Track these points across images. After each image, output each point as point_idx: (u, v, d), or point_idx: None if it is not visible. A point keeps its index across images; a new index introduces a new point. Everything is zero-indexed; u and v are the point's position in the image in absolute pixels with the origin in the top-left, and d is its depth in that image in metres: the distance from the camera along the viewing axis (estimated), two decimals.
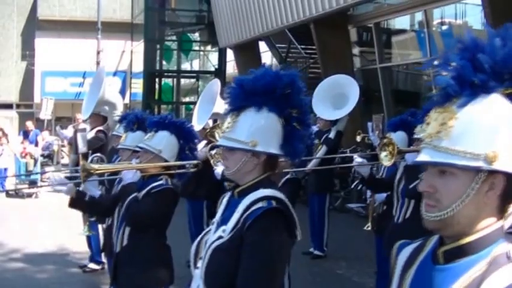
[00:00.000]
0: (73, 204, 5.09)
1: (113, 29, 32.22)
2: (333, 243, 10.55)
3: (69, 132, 11.28)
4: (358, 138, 11.45)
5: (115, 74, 33.95)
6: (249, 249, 2.74)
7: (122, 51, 33.69)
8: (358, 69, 17.99)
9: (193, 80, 27.44)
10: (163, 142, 4.87)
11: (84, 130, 8.90)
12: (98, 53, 31.83)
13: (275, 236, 2.76)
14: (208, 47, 26.55)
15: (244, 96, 2.95)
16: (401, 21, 17.75)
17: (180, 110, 28.06)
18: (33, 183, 17.86)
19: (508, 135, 1.76)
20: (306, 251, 10.28)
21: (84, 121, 10.31)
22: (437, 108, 1.86)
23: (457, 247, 1.77)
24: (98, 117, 9.04)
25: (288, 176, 6.44)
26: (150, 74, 24.65)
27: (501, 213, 1.79)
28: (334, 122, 10.48)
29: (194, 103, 26.19)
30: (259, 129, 2.90)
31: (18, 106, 36.25)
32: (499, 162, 1.73)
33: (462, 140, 1.76)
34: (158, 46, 25.49)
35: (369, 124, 11.58)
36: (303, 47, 20.75)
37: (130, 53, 29.69)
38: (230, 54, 24.68)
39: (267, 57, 23.49)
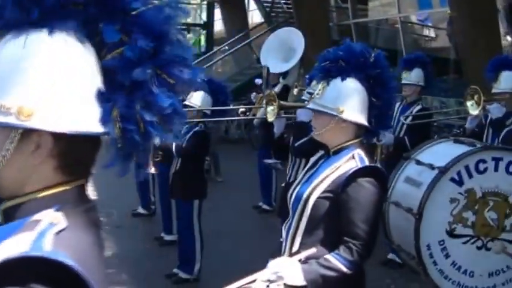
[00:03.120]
0: None
1: None
2: None
3: None
4: (295, 92, 11.81)
5: None
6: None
7: None
8: (334, 25, 18.52)
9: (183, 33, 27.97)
10: None
11: None
12: None
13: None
14: (198, 0, 27.03)
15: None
16: None
17: None
18: None
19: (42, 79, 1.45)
20: (256, 204, 10.85)
21: None
22: None
23: (9, 208, 1.52)
24: None
25: (196, 128, 6.92)
26: None
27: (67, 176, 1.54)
28: (283, 76, 10.95)
29: None
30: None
31: None
32: (34, 118, 1.43)
33: None
34: None
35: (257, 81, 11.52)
36: (284, 1, 21.28)
37: None
38: None
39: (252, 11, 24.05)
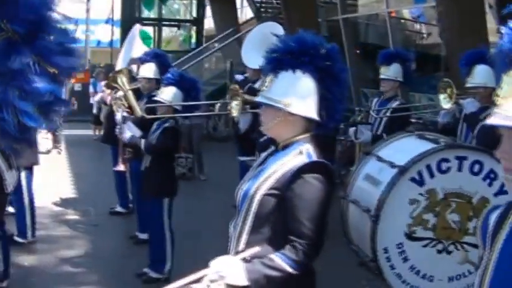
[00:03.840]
0: None
1: None
2: None
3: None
4: None
5: (107, 21, 34.36)
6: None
7: None
8: (322, 21, 18.44)
9: (174, 29, 28.00)
10: None
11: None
12: (88, 0, 32.38)
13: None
14: None
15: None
16: None
17: None
18: None
19: None
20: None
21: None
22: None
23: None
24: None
25: (166, 125, 6.80)
26: (128, 22, 25.09)
27: None
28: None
29: (174, 52, 26.83)
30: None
31: None
32: None
33: None
34: None
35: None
36: None
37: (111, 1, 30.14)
38: None
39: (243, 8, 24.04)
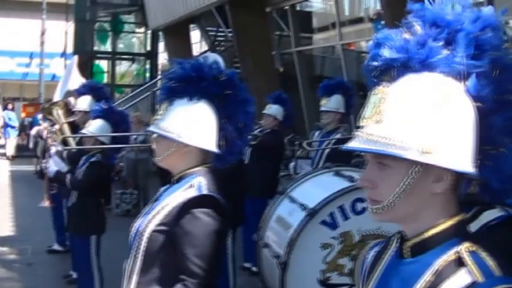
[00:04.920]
0: None
1: (59, 9, 32.48)
2: None
3: None
4: None
5: (62, 55, 34.22)
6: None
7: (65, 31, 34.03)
8: (277, 54, 18.44)
9: (128, 63, 27.94)
10: None
11: None
12: (43, 33, 32.21)
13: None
14: (142, 29, 26.94)
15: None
16: (317, 5, 18.28)
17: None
18: None
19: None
20: None
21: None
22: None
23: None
24: None
25: (92, 159, 6.66)
26: (81, 56, 24.93)
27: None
28: None
29: (128, 86, 26.74)
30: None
31: None
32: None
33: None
34: (95, 27, 26.00)
35: None
36: (229, 30, 21.20)
37: (64, 34, 30.04)
38: None
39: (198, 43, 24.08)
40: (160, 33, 24.48)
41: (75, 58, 10.58)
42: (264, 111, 8.94)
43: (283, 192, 5.14)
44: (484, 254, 1.70)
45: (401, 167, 1.72)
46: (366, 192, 1.81)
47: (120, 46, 28.24)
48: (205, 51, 21.82)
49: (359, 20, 16.54)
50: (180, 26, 21.82)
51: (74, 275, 8.26)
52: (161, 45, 25.92)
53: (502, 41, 1.80)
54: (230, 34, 21.07)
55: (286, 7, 17.75)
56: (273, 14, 18.61)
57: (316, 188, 4.96)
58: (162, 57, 26.71)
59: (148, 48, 25.98)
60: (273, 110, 8.94)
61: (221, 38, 21.96)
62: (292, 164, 7.83)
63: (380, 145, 1.71)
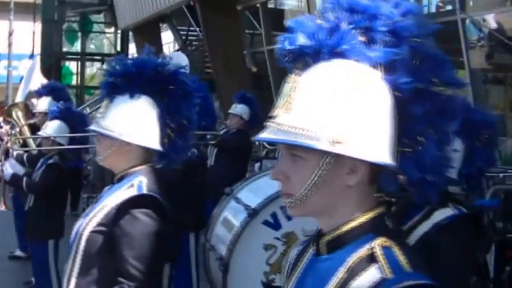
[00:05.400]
0: None
1: (27, 9, 32.16)
2: None
3: None
4: None
5: (31, 56, 33.90)
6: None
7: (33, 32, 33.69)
8: (248, 52, 18.34)
9: (99, 64, 27.69)
10: None
11: None
12: (10, 34, 31.88)
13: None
14: (112, 29, 26.77)
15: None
16: (289, 2, 18.22)
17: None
18: None
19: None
20: None
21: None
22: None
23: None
24: None
25: (49, 161, 6.53)
26: (49, 57, 24.73)
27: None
28: None
29: (98, 87, 26.47)
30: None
31: None
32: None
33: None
34: (63, 27, 25.75)
35: None
36: (200, 28, 21.08)
37: (32, 35, 29.73)
38: None
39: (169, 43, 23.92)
40: (131, 33, 24.31)
41: (37, 59, 10.48)
42: (230, 111, 9.24)
43: (230, 194, 5.03)
44: (396, 250, 1.65)
45: (312, 158, 1.66)
46: (280, 185, 1.72)
47: (91, 47, 28.02)
48: (177, 50, 21.68)
49: None
50: (150, 25, 21.64)
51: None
52: (132, 46, 25.74)
53: (424, 29, 1.72)
54: (202, 33, 21.02)
55: (258, 5, 17.63)
56: (245, 12, 18.49)
57: (260, 188, 4.84)
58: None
59: (119, 48, 25.75)
60: (239, 109, 9.15)
61: (193, 38, 21.82)
62: (257, 165, 7.79)
63: (289, 135, 1.64)
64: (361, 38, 1.69)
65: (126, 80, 3.09)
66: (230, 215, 4.67)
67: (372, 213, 1.72)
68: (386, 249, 1.64)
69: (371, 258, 1.64)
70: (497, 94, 14.03)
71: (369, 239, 1.68)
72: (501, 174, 7.62)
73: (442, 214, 3.36)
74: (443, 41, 13.33)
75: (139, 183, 2.97)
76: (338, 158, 1.64)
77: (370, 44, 1.68)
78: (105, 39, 28.46)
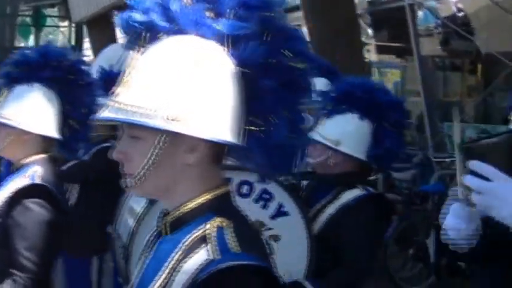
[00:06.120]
0: None
1: None
2: None
3: None
4: None
5: None
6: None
7: None
8: None
9: None
10: None
11: None
12: None
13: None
14: (67, 23, 26.51)
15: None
16: None
17: None
18: None
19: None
20: None
21: None
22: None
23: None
24: None
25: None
26: (1, 52, 24.41)
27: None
28: None
29: None
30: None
31: None
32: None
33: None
34: (16, 21, 25.49)
35: None
36: None
37: None
38: None
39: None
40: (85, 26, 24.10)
41: None
42: None
43: None
44: (229, 231, 1.62)
45: (149, 137, 1.63)
46: (122, 166, 1.71)
47: (43, 41, 27.70)
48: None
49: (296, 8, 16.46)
50: (105, 18, 21.43)
51: None
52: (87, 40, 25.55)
53: (275, 2, 1.67)
54: None
55: None
56: None
57: None
58: (89, 52, 26.34)
59: (73, 42, 25.50)
60: None
61: None
62: None
63: (125, 113, 1.60)
64: (208, 13, 1.64)
65: (25, 70, 3.11)
66: (135, 202, 4.52)
67: (214, 193, 1.70)
68: (219, 230, 1.63)
69: (204, 239, 1.62)
70: (455, 80, 14.16)
71: (206, 219, 1.66)
72: (448, 159, 7.67)
73: (349, 195, 3.35)
74: (391, 26, 13.40)
75: (33, 173, 2.96)
76: (175, 136, 1.62)
77: (218, 18, 1.64)
78: (60, 34, 28.19)
